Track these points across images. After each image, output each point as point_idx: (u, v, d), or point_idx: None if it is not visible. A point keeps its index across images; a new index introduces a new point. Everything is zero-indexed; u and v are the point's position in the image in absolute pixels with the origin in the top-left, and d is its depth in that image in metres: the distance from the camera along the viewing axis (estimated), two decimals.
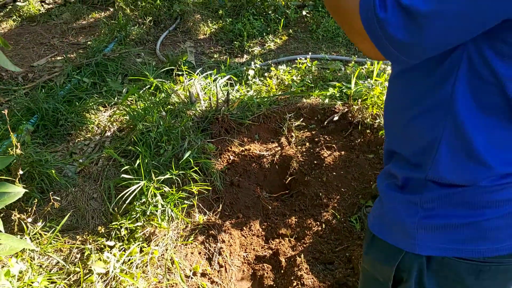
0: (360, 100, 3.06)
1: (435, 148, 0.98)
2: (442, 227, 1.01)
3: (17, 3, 5.25)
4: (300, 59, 3.89)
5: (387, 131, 1.18)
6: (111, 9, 5.09)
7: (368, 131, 2.91)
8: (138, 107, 3.15)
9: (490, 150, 0.94)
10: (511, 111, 0.91)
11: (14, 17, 5.14)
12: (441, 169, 0.98)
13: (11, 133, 2.29)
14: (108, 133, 3.14)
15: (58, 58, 4.22)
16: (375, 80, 3.16)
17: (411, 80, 1.06)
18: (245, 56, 4.43)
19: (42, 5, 5.27)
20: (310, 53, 4.14)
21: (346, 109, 3.09)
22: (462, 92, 0.91)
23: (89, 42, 4.40)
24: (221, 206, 2.60)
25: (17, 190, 1.75)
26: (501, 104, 0.91)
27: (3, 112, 3.00)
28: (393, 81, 1.13)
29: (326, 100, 3.23)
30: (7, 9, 5.30)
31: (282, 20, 4.90)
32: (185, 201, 2.47)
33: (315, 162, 2.79)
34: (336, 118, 3.04)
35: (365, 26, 0.86)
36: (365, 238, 1.26)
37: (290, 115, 3.15)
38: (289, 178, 2.78)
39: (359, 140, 2.88)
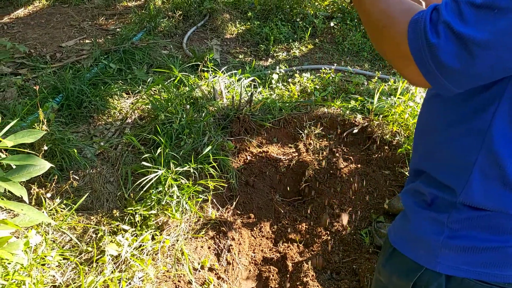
0: (381, 116, 3.07)
1: (468, 172, 0.98)
2: (466, 249, 1.02)
3: None
4: (325, 69, 3.91)
5: (416, 149, 1.19)
6: None
7: (386, 147, 2.92)
8: (161, 97, 3.19)
9: None
10: None
11: None
12: (473, 194, 0.98)
13: (40, 109, 2.33)
14: (129, 120, 3.18)
15: (87, 41, 4.28)
16: (398, 97, 3.18)
17: (449, 103, 1.05)
18: (269, 60, 4.46)
19: None
20: (335, 64, 4.16)
21: (366, 123, 3.11)
22: (501, 120, 0.92)
23: (118, 29, 4.46)
24: (234, 204, 2.63)
25: (44, 165, 1.79)
26: None
27: (34, 87, 3.06)
28: (430, 100, 1.14)
29: (347, 112, 3.25)
30: None
31: (310, 29, 4.93)
32: (200, 195, 2.50)
33: (331, 171, 2.81)
34: (355, 130, 3.06)
35: (412, 50, 0.85)
36: (382, 251, 1.27)
37: (310, 122, 3.17)
38: (304, 185, 2.80)
39: (376, 156, 2.90)
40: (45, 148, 2.25)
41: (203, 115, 2.94)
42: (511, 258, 0.99)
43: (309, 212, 2.67)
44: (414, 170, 1.20)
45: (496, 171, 0.94)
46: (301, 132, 3.12)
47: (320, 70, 3.94)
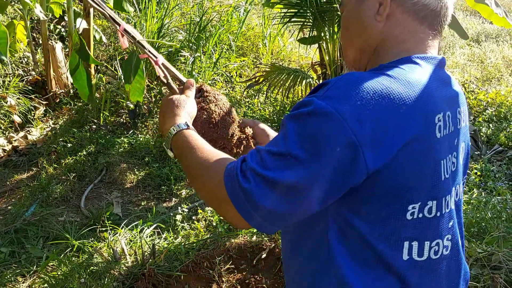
0: None
1: None
2: None
3: None
4: None
5: (285, 274, 1.23)
6: (34, 169, 5.05)
7: None
8: (60, 273, 2.99)
9: None
10: (382, 263, 0.98)
11: None
12: None
13: None
14: None
15: None
16: None
17: (290, 241, 1.15)
18: (173, 199, 4.46)
19: None
20: None
21: (273, 244, 3.12)
22: (338, 250, 0.98)
23: (9, 207, 4.26)
24: None
25: None
26: (372, 258, 0.98)
27: None
28: (282, 233, 1.21)
29: (254, 238, 3.25)
30: None
31: None
32: None
33: None
34: (264, 255, 3.05)
35: (230, 195, 0.92)
36: None
37: (219, 258, 3.11)
38: None
39: None
40: None
41: (105, 281, 2.78)
42: None
43: None
44: None
45: None
46: (212, 271, 3.03)
47: None
